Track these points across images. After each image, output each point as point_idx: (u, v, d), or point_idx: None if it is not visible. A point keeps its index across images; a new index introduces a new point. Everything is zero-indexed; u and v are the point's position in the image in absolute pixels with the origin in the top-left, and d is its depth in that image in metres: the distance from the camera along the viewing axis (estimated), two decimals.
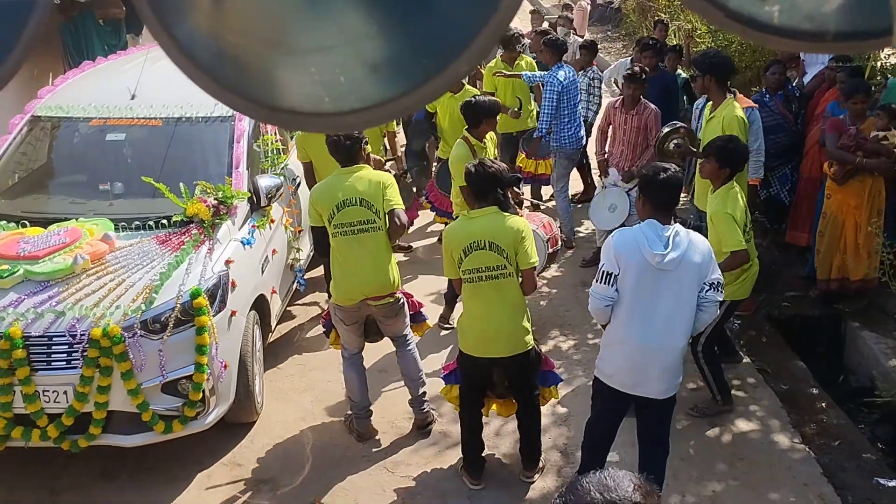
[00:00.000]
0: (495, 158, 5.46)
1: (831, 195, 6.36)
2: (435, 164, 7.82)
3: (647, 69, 7.25)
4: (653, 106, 6.79)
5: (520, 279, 4.15)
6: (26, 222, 4.82)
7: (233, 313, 4.65)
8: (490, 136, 5.99)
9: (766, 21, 0.66)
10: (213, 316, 4.46)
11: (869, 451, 4.88)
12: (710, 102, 5.92)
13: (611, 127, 7.03)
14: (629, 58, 9.55)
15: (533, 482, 4.44)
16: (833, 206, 6.34)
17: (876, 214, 6.21)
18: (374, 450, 4.78)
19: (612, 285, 3.68)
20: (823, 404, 5.30)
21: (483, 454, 4.49)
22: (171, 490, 4.49)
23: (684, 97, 8.31)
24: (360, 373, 4.83)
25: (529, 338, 4.19)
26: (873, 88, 6.58)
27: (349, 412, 4.96)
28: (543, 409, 4.51)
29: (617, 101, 6.97)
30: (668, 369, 3.73)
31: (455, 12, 0.63)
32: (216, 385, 4.49)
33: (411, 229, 7.48)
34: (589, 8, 15.28)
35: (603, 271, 3.72)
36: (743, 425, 4.93)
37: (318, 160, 5.79)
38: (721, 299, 3.79)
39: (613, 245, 3.73)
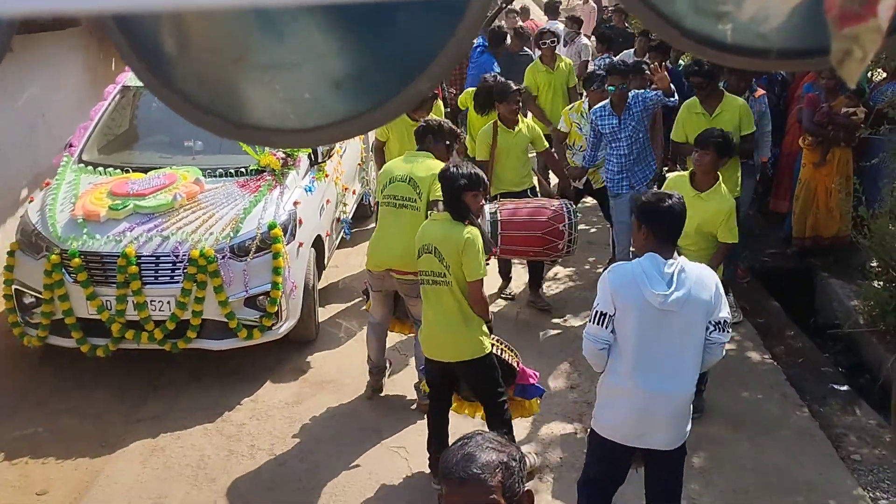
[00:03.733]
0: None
1: (806, 164, 7.34)
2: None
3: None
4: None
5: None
6: (129, 169, 5.82)
7: (300, 245, 5.63)
8: (528, 124, 6.18)
9: (720, 40, 0.66)
10: (286, 245, 5.44)
11: (827, 366, 5.84)
12: (701, 100, 6.11)
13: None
14: (632, 49, 10.43)
15: None
16: (807, 173, 7.32)
17: (844, 180, 7.18)
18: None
19: (608, 327, 3.34)
20: (792, 333, 6.27)
21: None
22: (248, 388, 5.46)
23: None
24: (380, 338, 5.18)
25: (480, 346, 4.09)
26: None
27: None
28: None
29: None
30: (677, 417, 3.44)
31: (417, 32, 0.64)
32: (288, 301, 5.47)
33: None
34: (596, 8, 16.21)
35: (597, 311, 3.37)
36: None
37: (395, 141, 6.24)
38: (728, 340, 3.49)
39: (609, 282, 3.37)
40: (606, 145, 6.32)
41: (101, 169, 5.88)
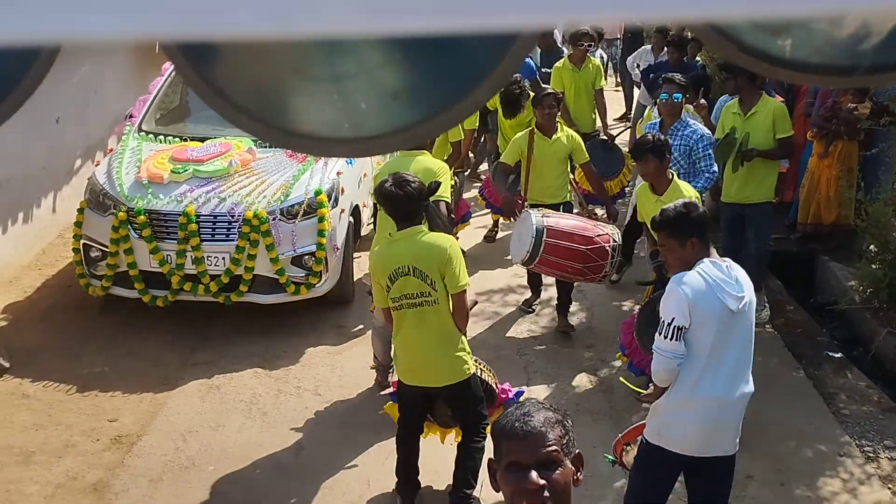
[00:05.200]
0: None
1: (813, 154, 7.83)
2: (490, 162, 7.99)
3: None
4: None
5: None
6: (187, 138, 6.36)
7: (342, 211, 6.16)
8: (569, 134, 5.97)
9: (778, 55, 0.66)
10: (330, 210, 5.96)
11: (823, 336, 6.33)
12: (740, 100, 6.10)
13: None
14: (650, 45, 10.85)
15: None
16: (812, 163, 7.81)
17: (847, 172, 7.66)
18: None
19: (681, 340, 3.25)
20: (791, 307, 6.76)
21: (419, 478, 4.26)
22: (293, 340, 5.98)
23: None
24: (384, 341, 5.08)
25: (466, 367, 3.95)
26: None
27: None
28: None
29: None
30: (741, 419, 3.41)
31: (475, 43, 0.63)
32: (330, 262, 5.99)
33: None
34: None
35: (674, 326, 3.23)
36: None
37: None
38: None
39: (687, 295, 3.23)
40: None
41: (160, 137, 6.42)
